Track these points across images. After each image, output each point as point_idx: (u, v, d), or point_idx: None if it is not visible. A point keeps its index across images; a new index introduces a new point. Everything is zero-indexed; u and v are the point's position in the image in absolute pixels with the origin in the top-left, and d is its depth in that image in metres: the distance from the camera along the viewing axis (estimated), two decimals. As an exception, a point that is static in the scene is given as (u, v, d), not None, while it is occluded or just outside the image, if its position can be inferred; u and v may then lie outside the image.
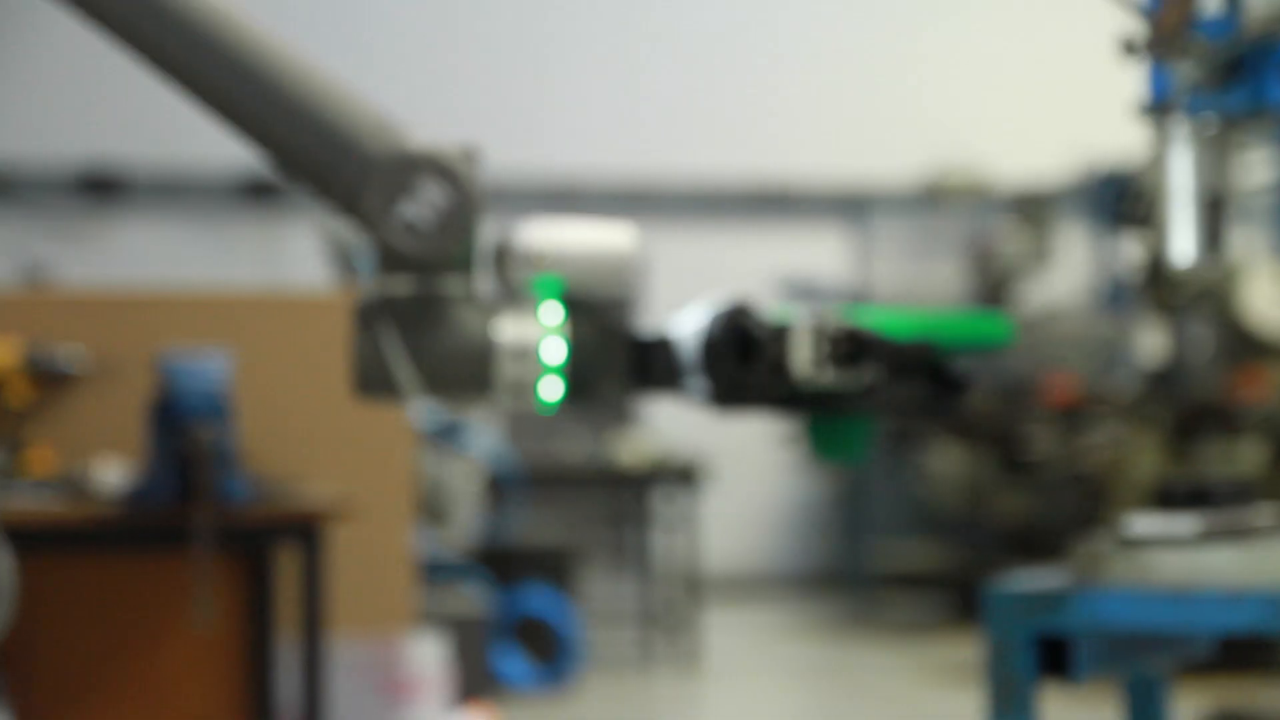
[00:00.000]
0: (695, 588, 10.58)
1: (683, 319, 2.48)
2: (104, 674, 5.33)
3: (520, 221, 2.43)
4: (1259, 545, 2.67)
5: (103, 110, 14.49)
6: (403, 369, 2.37)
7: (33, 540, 4.80)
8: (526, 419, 15.82)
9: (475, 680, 7.11)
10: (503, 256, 2.41)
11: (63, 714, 5.31)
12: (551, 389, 2.42)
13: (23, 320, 5.36)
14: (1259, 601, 2.59)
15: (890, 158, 15.37)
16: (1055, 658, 2.75)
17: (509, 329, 2.40)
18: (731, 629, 12.09)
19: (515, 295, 2.42)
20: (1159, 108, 2.77)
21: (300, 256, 13.92)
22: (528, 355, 2.39)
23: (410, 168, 2.34)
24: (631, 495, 13.39)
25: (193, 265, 14.68)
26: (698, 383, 2.44)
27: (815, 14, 15.91)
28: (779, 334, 2.42)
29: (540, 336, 2.40)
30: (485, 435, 8.99)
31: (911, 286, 13.78)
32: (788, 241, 15.19)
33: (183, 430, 4.66)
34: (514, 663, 8.98)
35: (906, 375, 2.49)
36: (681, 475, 10.38)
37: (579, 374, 2.42)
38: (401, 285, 2.38)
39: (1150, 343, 10.14)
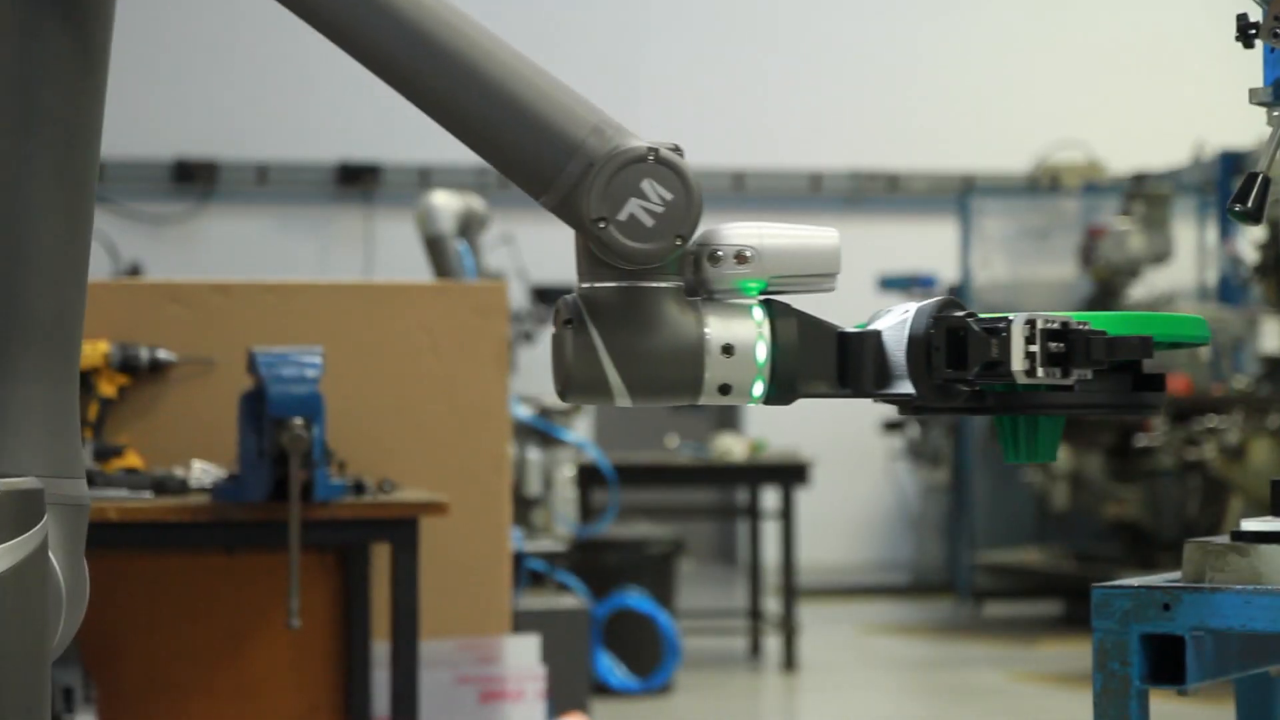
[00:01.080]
0: (796, 587, 10.49)
1: (883, 318, 2.46)
2: (195, 673, 5.32)
3: (720, 221, 2.41)
4: (1379, 543, 2.58)
5: (193, 103, 14.56)
6: (613, 370, 2.35)
7: (123, 537, 4.80)
8: (627, 415, 15.86)
9: (573, 681, 7.06)
10: (706, 256, 2.38)
11: (152, 714, 5.29)
12: (758, 389, 2.40)
13: (114, 312, 5.35)
14: (1380, 602, 2.51)
15: (998, 147, 15.28)
16: (1166, 660, 2.68)
17: (715, 328, 2.37)
18: (832, 629, 12.02)
19: (719, 295, 2.39)
20: (1275, 95, 2.69)
21: (395, 247, 13.95)
22: (735, 355, 2.37)
23: (635, 166, 2.31)
24: (738, 492, 13.36)
25: (286, 256, 14.75)
26: (905, 383, 2.41)
27: (917, 4, 15.83)
28: (992, 332, 2.39)
29: (747, 336, 2.37)
30: (583, 429, 8.93)
31: (1019, 278, 13.65)
32: (893, 234, 15.12)
33: (276, 425, 4.62)
34: (613, 663, 8.93)
35: (1114, 372, 2.47)
36: (789, 473, 10.31)
37: (785, 373, 2.39)
38: (609, 285, 2.34)
39: (1271, 333, 10.00)
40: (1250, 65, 2.78)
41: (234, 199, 14.90)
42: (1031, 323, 2.38)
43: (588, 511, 9.79)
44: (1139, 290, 12.23)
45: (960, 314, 2.40)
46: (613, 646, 8.95)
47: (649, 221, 2.31)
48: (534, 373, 13.44)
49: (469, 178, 14.66)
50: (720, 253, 2.37)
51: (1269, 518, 2.74)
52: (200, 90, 14.57)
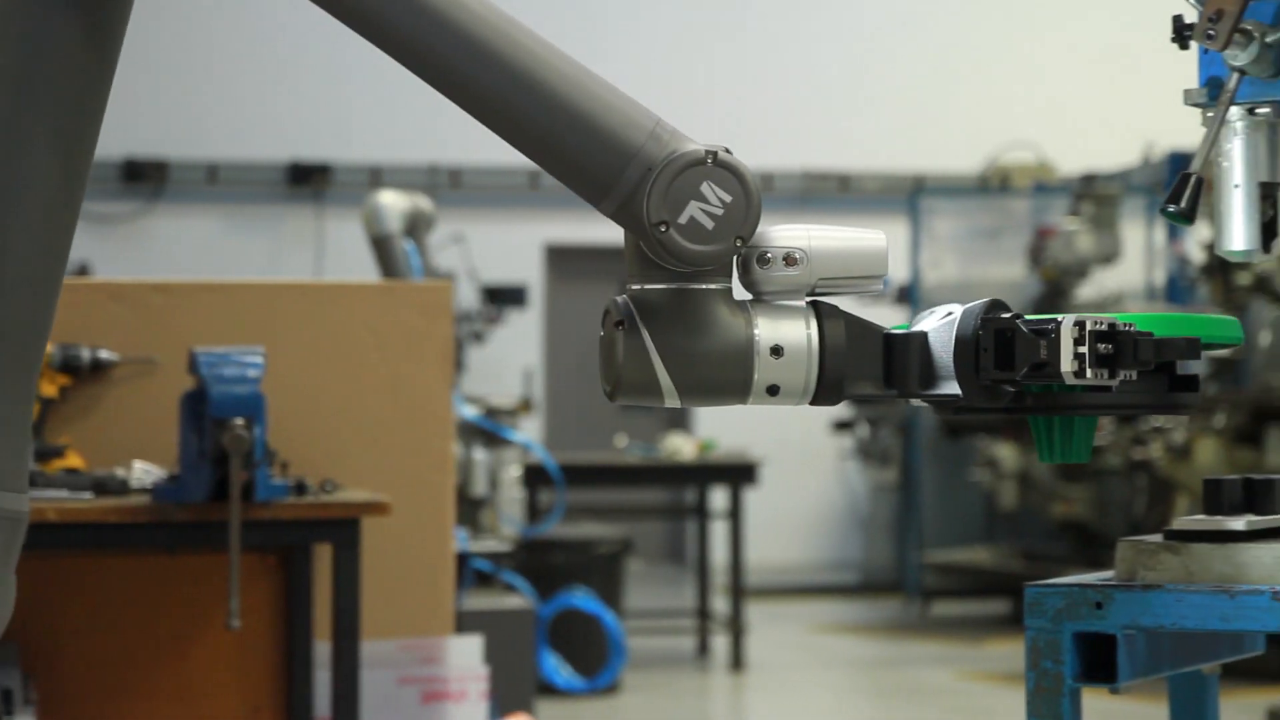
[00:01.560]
0: (744, 586, 10.50)
1: (925, 319, 2.48)
2: (136, 675, 5.29)
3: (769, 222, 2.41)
4: (1309, 542, 2.59)
5: (143, 102, 14.51)
6: (664, 372, 2.36)
7: (63, 538, 4.77)
8: (577, 414, 15.85)
9: (518, 681, 7.06)
10: (754, 257, 2.39)
11: (93, 716, 5.26)
12: (806, 390, 2.41)
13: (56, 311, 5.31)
14: (1309, 601, 2.52)
15: (948, 147, 15.33)
16: (1098, 658, 2.69)
17: (765, 330, 2.38)
18: (781, 628, 12.03)
19: (768, 296, 2.41)
20: (1209, 96, 2.70)
21: (346, 247, 13.92)
22: (784, 356, 2.38)
23: (695, 169, 2.32)
24: (687, 492, 13.36)
25: (236, 256, 14.70)
26: (950, 384, 2.43)
27: (869, 6, 15.85)
28: (1040, 333, 2.41)
29: (796, 337, 2.39)
30: (533, 429, 8.93)
31: (969, 278, 13.69)
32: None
33: (217, 426, 4.60)
34: (558, 663, 8.92)
35: (1150, 372, 2.49)
36: (737, 473, 10.31)
37: (832, 375, 2.41)
38: (660, 286, 2.36)
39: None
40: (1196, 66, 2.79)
41: (184, 198, 14.85)
42: (1081, 324, 2.40)
43: (535, 511, 9.78)
44: (1087, 290, 12.28)
45: (1007, 315, 2.42)
46: (559, 647, 8.94)
47: (709, 224, 2.32)
48: (484, 372, 13.44)
49: (420, 177, 14.65)
50: (769, 255, 2.38)
51: (1201, 516, 2.75)
52: (150, 89, 14.51)
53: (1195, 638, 2.83)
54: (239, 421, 4.58)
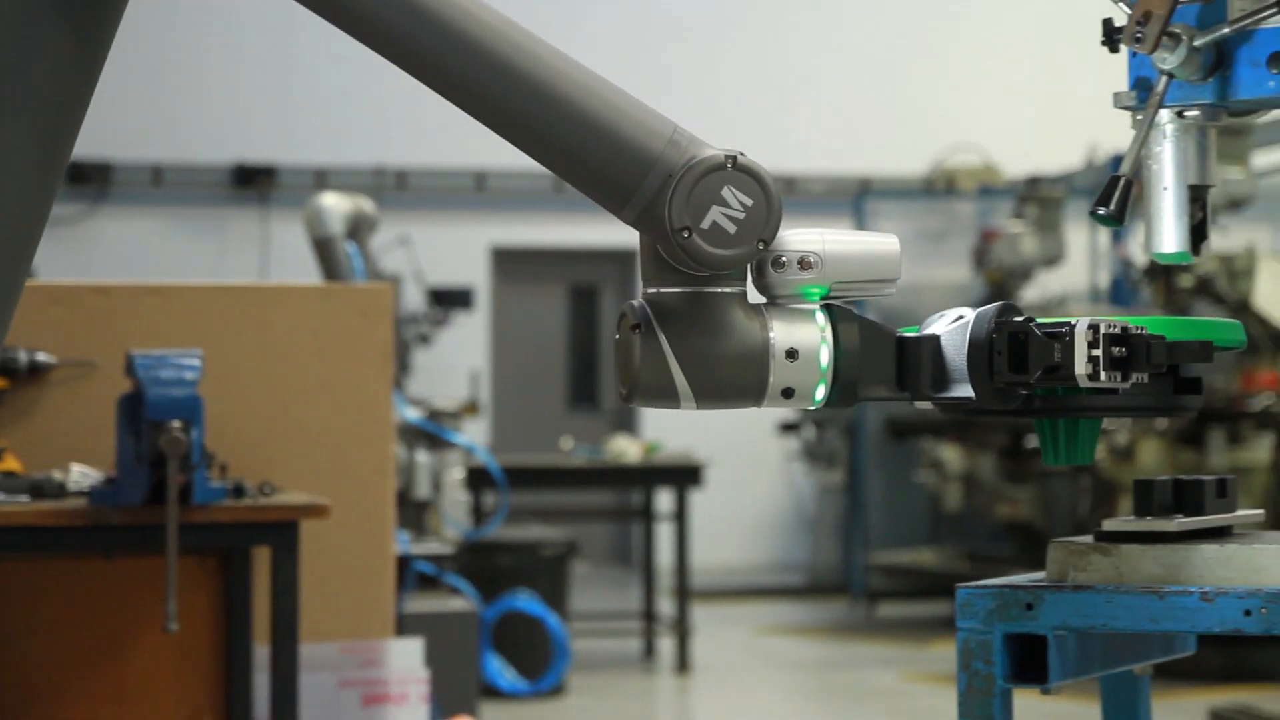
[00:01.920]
0: (690, 588, 10.50)
1: (936, 322, 2.51)
2: (74, 679, 5.27)
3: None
4: (1237, 544, 2.60)
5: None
6: (680, 375, 2.39)
7: (-1, 541, 4.75)
8: (522, 417, 15.83)
9: (461, 684, 7.05)
10: (769, 261, 2.40)
11: (32, 718, 5.24)
12: (820, 393, 2.44)
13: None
14: (1235, 601, 2.53)
15: (894, 150, 15.36)
16: (1030, 659, 2.69)
17: (780, 333, 2.40)
18: (728, 630, 12.03)
19: (782, 299, 2.43)
20: (1138, 99, 2.71)
21: (292, 249, 13.88)
22: (799, 359, 2.41)
23: (716, 174, 2.34)
24: (633, 494, 13.36)
25: (181, 259, 14.64)
26: (962, 387, 2.46)
27: (815, 8, 15.87)
28: (1053, 337, 2.43)
29: (810, 341, 2.41)
30: (480, 431, 8.92)
31: (914, 280, 13.71)
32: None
33: (153, 428, 4.59)
34: (502, 665, 8.91)
35: (1161, 375, 2.52)
36: (683, 474, 10.31)
37: (847, 377, 2.43)
38: (676, 290, 2.38)
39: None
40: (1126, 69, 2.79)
41: (128, 200, 14.78)
42: (1095, 327, 2.43)
43: (480, 514, 9.76)
44: (1031, 292, 12.32)
45: (1020, 319, 2.45)
46: (502, 649, 8.93)
47: (731, 228, 2.33)
48: (430, 374, 13.42)
49: (365, 179, 14.62)
50: (784, 258, 2.40)
51: (1130, 517, 2.76)
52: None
53: (1126, 638, 2.84)
54: (176, 424, 4.57)
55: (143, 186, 14.78)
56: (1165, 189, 2.72)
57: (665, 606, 11.53)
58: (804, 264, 2.40)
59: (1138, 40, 2.59)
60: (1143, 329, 2.48)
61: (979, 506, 11.91)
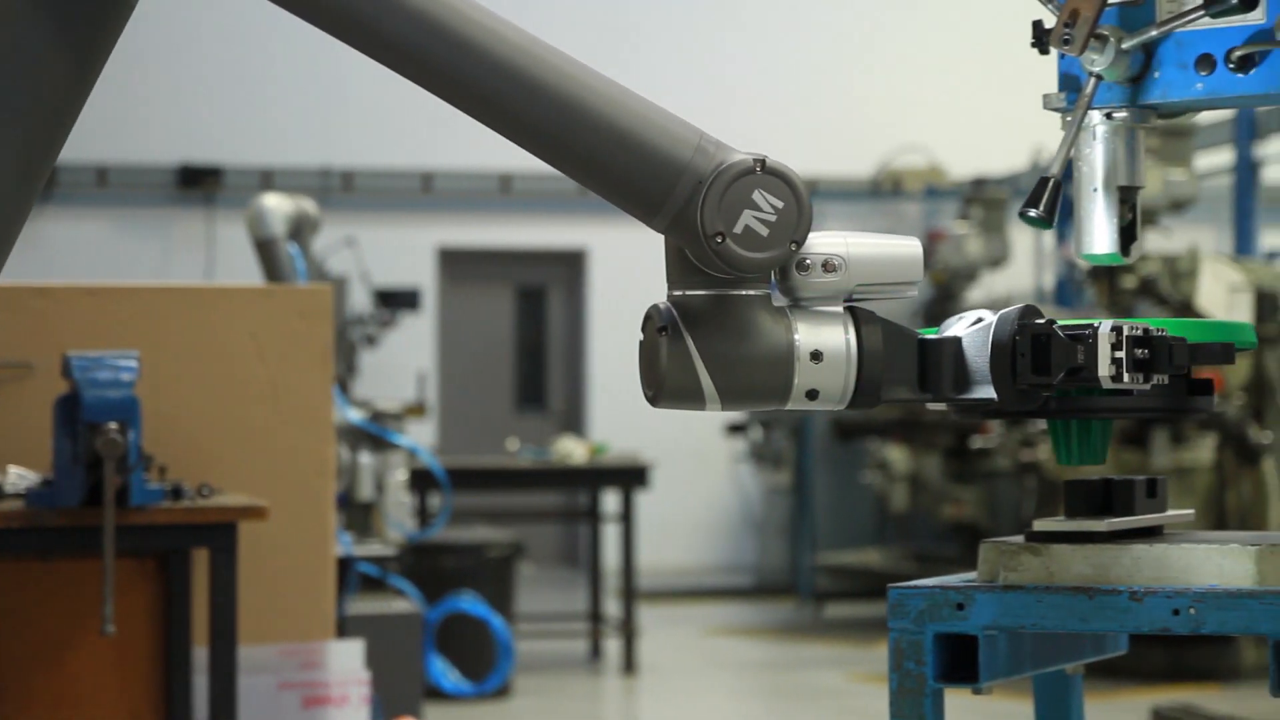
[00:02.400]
0: (637, 589, 10.50)
1: (955, 325, 2.54)
2: (12, 681, 5.24)
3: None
4: (1166, 544, 2.61)
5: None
6: (706, 377, 2.40)
7: (-66, 544, 4.72)
8: (470, 418, 15.81)
9: (405, 685, 7.03)
10: (794, 264, 2.42)
11: (-32, 721, 5.21)
12: (844, 395, 2.45)
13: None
14: (1163, 601, 2.54)
15: (840, 151, 15.38)
16: (962, 659, 2.70)
17: (805, 335, 2.42)
18: (675, 631, 12.04)
19: (806, 301, 2.45)
20: (1067, 100, 2.72)
21: (237, 250, 13.84)
22: (823, 361, 2.42)
23: (746, 179, 2.36)
24: (580, 495, 13.36)
25: (126, 260, 14.58)
26: (984, 388, 2.48)
27: (760, 11, 15.89)
28: (1076, 339, 2.46)
29: (834, 343, 2.43)
30: (427, 432, 8.90)
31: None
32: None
33: (90, 430, 4.57)
34: (446, 667, 8.89)
35: (1174, 378, 2.55)
36: (629, 475, 10.31)
37: (870, 379, 2.44)
38: (702, 293, 2.41)
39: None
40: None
41: (73, 201, 14.71)
42: (1118, 329, 2.46)
43: (426, 515, 9.75)
44: (977, 293, 12.36)
45: (1042, 321, 2.47)
46: (447, 651, 8.92)
47: (764, 231, 2.36)
48: (377, 376, 13.39)
49: (312, 180, 14.58)
50: (808, 261, 2.42)
51: (1061, 518, 2.77)
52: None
53: (1058, 638, 2.85)
54: (113, 426, 4.55)
55: (88, 188, 14.71)
56: (1095, 190, 2.73)
57: (612, 608, 11.53)
58: (828, 267, 2.43)
59: (1065, 42, 2.60)
60: (1164, 330, 2.51)
61: (925, 507, 11.94)
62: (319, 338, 5.62)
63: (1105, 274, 9.88)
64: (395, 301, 12.23)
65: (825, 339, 2.43)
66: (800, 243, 2.38)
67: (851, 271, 2.44)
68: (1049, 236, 13.16)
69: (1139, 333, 2.48)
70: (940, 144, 14.83)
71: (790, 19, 15.89)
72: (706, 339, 2.39)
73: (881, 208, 14.33)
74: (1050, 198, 2.62)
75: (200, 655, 5.24)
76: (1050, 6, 2.64)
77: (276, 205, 7.18)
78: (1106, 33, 2.62)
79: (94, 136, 14.58)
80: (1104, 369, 2.46)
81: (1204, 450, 9.61)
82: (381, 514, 7.48)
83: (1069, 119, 2.69)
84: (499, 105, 2.35)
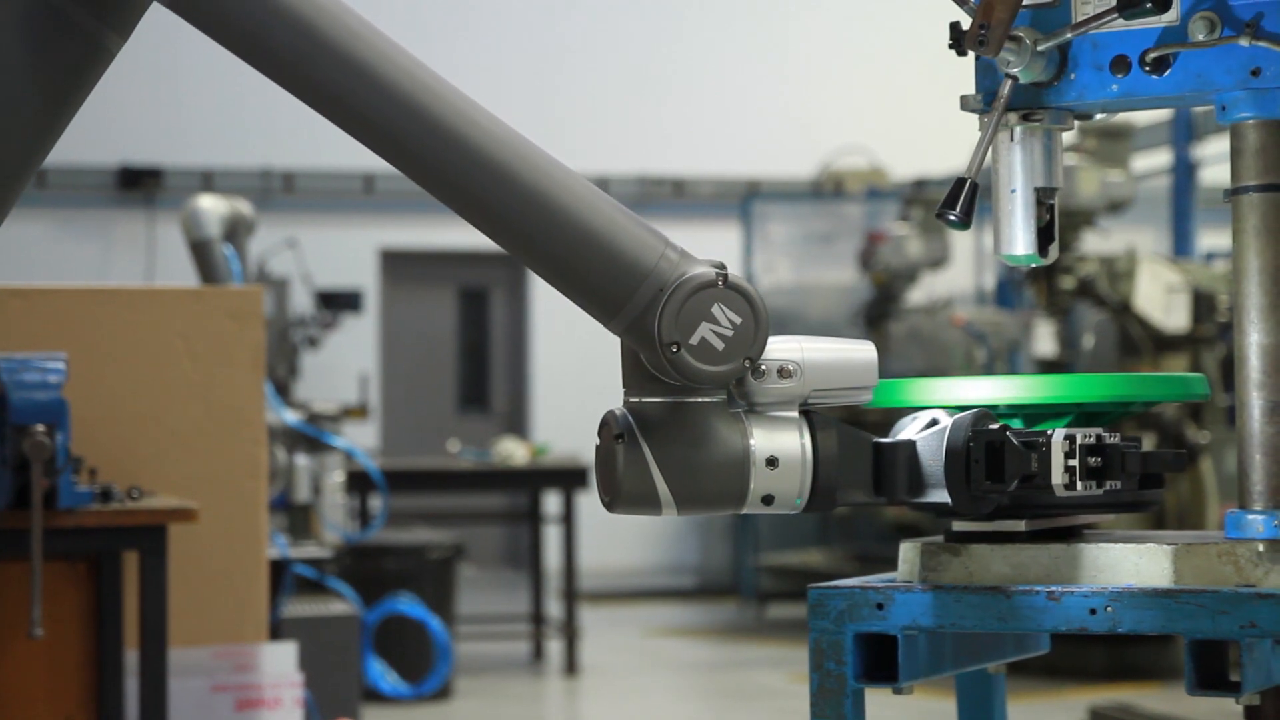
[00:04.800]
0: (579, 590, 10.50)
1: (910, 425, 2.57)
2: (-60, 684, 5.20)
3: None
4: (1084, 544, 2.63)
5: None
6: (663, 483, 2.42)
7: None
8: (411, 419, 15.78)
9: (342, 688, 7.01)
10: (749, 370, 2.44)
11: (-106, 726, 5.17)
12: (799, 499, 2.48)
13: None
14: (1080, 600, 2.55)
15: (782, 152, 15.40)
16: (882, 659, 2.71)
17: (760, 441, 2.44)
18: (617, 631, 12.03)
19: (761, 407, 2.46)
20: (984, 102, 2.72)
21: (178, 252, 13.78)
22: (779, 467, 2.45)
23: (706, 292, 2.38)
24: (521, 497, 13.34)
25: (66, 262, 14.51)
26: (938, 492, 2.52)
27: (703, 11, 15.91)
28: (1030, 446, 2.50)
29: (790, 449, 2.45)
30: (369, 433, 8.88)
31: (803, 282, 13.77)
32: (679, 238, 15.15)
33: (17, 432, 4.54)
34: (384, 669, 8.87)
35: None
36: (570, 477, 10.31)
37: (825, 484, 2.47)
38: (658, 400, 2.42)
39: (1044, 336, 10.17)
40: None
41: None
42: (1071, 438, 2.50)
43: (366, 517, 9.72)
44: (917, 294, 12.39)
45: (995, 427, 2.50)
46: (385, 653, 8.89)
47: (720, 345, 2.38)
48: (319, 377, 13.35)
49: (253, 181, 14.54)
50: (763, 367, 2.44)
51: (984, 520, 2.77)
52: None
53: (979, 637, 2.86)
54: (40, 428, 4.53)
55: (26, 189, 14.62)
56: (1013, 191, 2.73)
57: (554, 609, 11.52)
58: (783, 373, 2.45)
59: (981, 44, 2.60)
60: (1116, 436, 2.55)
61: (867, 508, 11.97)
62: (250, 339, 5.59)
63: (1044, 275, 9.92)
64: (337, 303, 12.20)
65: (781, 445, 2.45)
66: (755, 359, 2.41)
67: (807, 377, 2.46)
68: (989, 238, 13.20)
69: (1092, 440, 2.53)
70: (881, 145, 14.86)
71: (732, 20, 15.90)
72: (662, 446, 2.42)
73: (823, 209, 14.36)
74: (967, 199, 2.62)
75: (132, 658, 5.21)
76: (966, 8, 2.64)
77: (211, 206, 7.16)
78: (1022, 34, 2.63)
79: (33, 137, 14.51)
80: (1057, 477, 2.51)
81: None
82: (319, 516, 7.46)
83: (986, 120, 2.69)
84: (469, 192, 2.37)
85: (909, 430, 2.58)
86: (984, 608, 2.63)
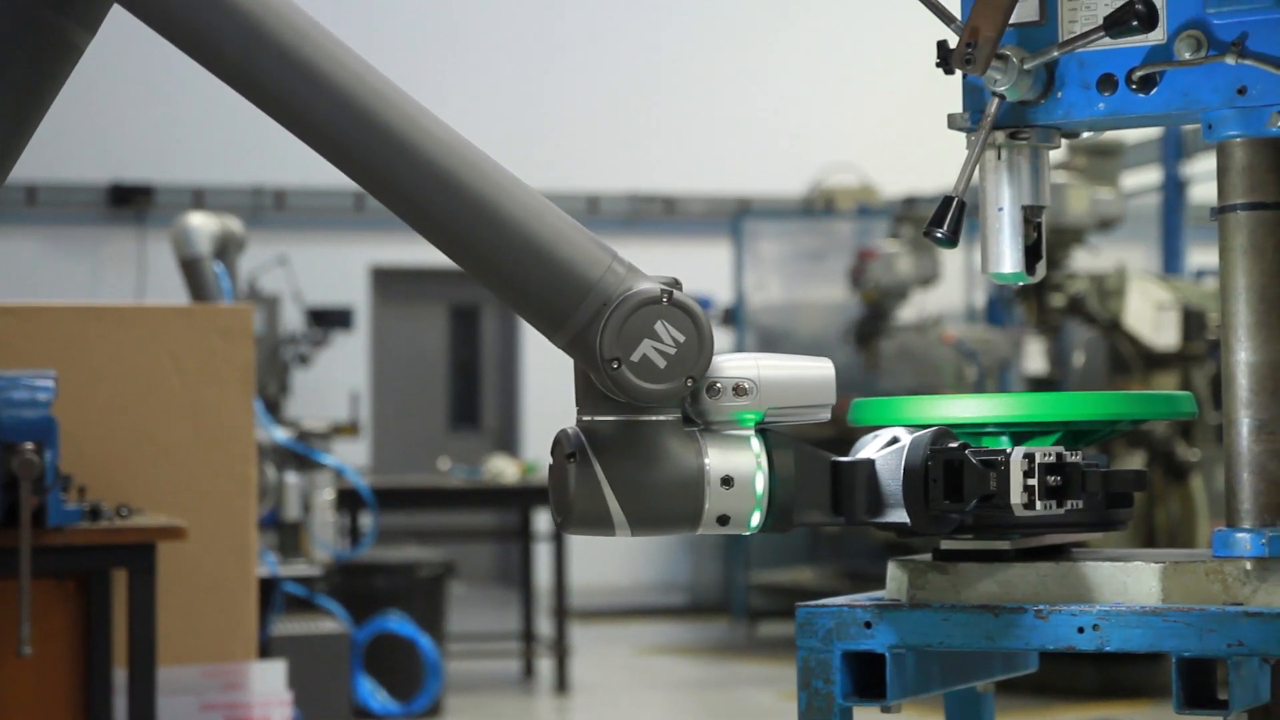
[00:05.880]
0: (569, 608, 10.49)
1: (871, 444, 2.52)
2: (-72, 703, 5.20)
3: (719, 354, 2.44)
4: (1071, 563, 2.63)
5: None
6: (615, 503, 2.38)
7: None
8: (402, 437, 15.77)
9: (332, 706, 7.01)
10: (704, 388, 2.41)
11: (-119, 745, 5.16)
12: (756, 519, 2.44)
13: None
14: (1068, 619, 2.55)
15: (773, 170, 15.42)
16: (870, 677, 2.70)
17: (715, 460, 2.41)
18: (608, 650, 12.02)
19: (717, 426, 2.43)
20: (971, 120, 2.72)
21: (169, 269, 13.78)
22: (734, 487, 2.41)
23: (650, 308, 2.34)
24: (512, 515, 13.33)
25: (56, 279, 14.51)
26: (898, 511, 2.48)
27: (692, 29, 15.92)
28: (989, 464, 2.45)
29: (746, 468, 2.41)
30: (360, 451, 8.87)
31: (793, 299, 13.77)
32: (669, 256, 15.19)
33: (6, 450, 4.54)
34: (374, 687, 8.86)
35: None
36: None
37: (782, 504, 2.44)
38: (610, 418, 2.38)
39: (1034, 354, 10.17)
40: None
41: (2, 220, 14.63)
42: (1030, 456, 2.46)
43: (356, 535, 9.72)
44: (908, 312, 12.39)
45: (955, 445, 2.47)
46: (375, 671, 8.88)
47: (661, 363, 2.34)
48: (310, 395, 13.34)
49: (244, 199, 14.54)
50: (718, 385, 2.41)
51: (970, 536, 2.77)
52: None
53: (967, 656, 2.86)
54: (29, 446, 4.53)
55: (17, 206, 14.63)
56: (1000, 210, 2.74)
57: (545, 627, 11.51)
58: (739, 390, 2.41)
59: (968, 62, 2.61)
60: (1078, 454, 2.52)
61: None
62: (240, 357, 5.59)
63: (1034, 292, 9.93)
64: (328, 320, 12.19)
65: (736, 464, 2.42)
66: (697, 379, 2.37)
67: (763, 395, 2.43)
68: (979, 255, 13.20)
69: (1051, 459, 2.49)
70: (872, 163, 14.87)
71: (722, 38, 15.92)
72: (615, 465, 2.38)
73: (814, 226, 14.36)
74: (954, 217, 2.63)
75: (121, 676, 5.21)
76: (953, 26, 2.65)
77: (201, 224, 7.16)
78: (1009, 52, 2.63)
79: (23, 154, 14.51)
80: (1016, 496, 2.46)
81: (1132, 467, 9.65)
82: (308, 534, 7.45)
83: (973, 138, 2.69)
84: (413, 197, 2.34)
85: (869, 449, 2.55)
86: (972, 626, 2.62)
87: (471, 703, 9.64)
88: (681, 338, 2.35)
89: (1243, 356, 2.61)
